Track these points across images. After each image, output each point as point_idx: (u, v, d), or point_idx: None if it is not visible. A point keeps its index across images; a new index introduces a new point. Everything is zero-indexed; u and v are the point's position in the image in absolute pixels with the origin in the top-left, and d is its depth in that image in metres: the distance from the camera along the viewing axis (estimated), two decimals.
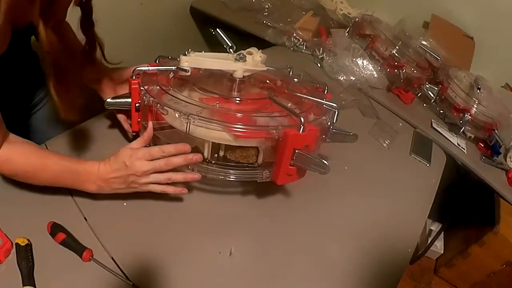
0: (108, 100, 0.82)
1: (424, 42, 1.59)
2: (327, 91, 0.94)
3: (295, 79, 0.99)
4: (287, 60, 1.51)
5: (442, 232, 1.86)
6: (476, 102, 1.41)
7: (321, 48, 1.62)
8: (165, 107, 0.73)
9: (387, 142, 1.24)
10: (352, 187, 1.01)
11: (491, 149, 1.39)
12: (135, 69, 0.79)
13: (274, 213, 0.88)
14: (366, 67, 1.51)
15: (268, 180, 0.77)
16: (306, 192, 0.92)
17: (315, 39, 1.69)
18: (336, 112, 0.81)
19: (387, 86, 1.54)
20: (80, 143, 0.88)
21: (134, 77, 0.78)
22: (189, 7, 1.97)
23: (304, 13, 1.82)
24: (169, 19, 1.92)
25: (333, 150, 0.92)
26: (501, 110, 1.44)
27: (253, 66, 0.83)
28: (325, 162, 0.67)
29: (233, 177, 0.76)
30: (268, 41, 1.66)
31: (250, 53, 0.83)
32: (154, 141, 0.79)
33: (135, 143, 0.75)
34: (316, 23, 1.78)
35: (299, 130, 0.68)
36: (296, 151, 0.69)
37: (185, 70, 0.77)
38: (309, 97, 0.85)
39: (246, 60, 0.81)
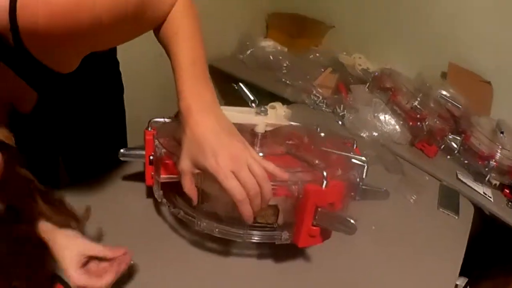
0: (122, 151, 0.80)
1: (444, 92, 1.55)
2: (356, 146, 0.89)
3: (322, 134, 0.95)
4: (307, 118, 1.49)
5: (468, 287, 1.72)
6: (500, 147, 1.37)
7: (342, 105, 1.59)
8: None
9: (413, 198, 1.17)
10: (380, 248, 0.93)
11: None
12: (150, 120, 0.78)
13: (293, 280, 0.79)
14: (388, 121, 1.47)
15: (287, 242, 0.70)
16: (329, 257, 0.84)
17: (335, 96, 1.67)
18: (366, 167, 0.75)
19: (410, 140, 1.49)
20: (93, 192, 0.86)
21: (150, 129, 0.76)
22: (208, 65, 2.00)
23: (323, 70, 1.82)
24: None
25: (359, 209, 0.85)
26: None
27: (275, 120, 0.79)
28: (351, 220, 0.60)
29: (251, 238, 0.70)
30: (288, 99, 1.65)
31: (273, 107, 0.81)
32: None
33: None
34: (335, 79, 1.77)
35: (322, 185, 0.62)
36: (319, 209, 0.63)
37: None
38: (335, 151, 0.80)
39: (267, 114, 0.78)
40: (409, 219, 1.09)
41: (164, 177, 0.74)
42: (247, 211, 0.60)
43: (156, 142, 0.74)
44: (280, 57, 1.89)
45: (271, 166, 0.62)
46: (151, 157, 0.77)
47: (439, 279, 0.89)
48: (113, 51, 0.91)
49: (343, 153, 0.79)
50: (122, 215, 0.82)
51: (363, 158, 0.77)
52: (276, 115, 0.81)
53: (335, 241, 0.73)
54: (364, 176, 0.77)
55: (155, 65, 1.62)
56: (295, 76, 1.78)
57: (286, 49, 2.03)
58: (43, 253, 0.66)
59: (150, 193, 0.90)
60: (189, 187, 0.63)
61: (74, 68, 0.62)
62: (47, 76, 0.58)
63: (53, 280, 0.66)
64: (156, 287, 0.72)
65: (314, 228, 0.65)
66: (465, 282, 1.71)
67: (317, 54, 1.93)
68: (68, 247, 0.64)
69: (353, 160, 0.78)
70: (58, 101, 0.70)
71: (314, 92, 1.66)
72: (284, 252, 0.81)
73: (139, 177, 0.93)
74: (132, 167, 0.98)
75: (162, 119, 0.81)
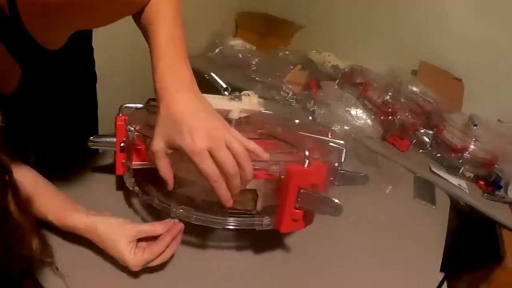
0: (92, 138, 0.76)
1: (414, 88, 1.58)
2: (331, 134, 0.88)
3: (297, 121, 0.93)
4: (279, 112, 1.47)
5: (445, 282, 1.73)
6: (474, 140, 1.41)
7: (312, 101, 1.59)
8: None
9: (389, 188, 1.17)
10: (360, 238, 0.92)
11: (493, 185, 1.37)
12: (121, 106, 0.74)
13: (271, 273, 0.76)
14: (359, 116, 1.48)
15: (269, 228, 0.67)
16: (308, 247, 0.82)
17: (305, 92, 1.67)
18: (344, 150, 0.74)
19: (382, 135, 1.50)
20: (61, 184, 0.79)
21: (121, 114, 0.73)
22: None
23: (292, 67, 1.82)
24: None
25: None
26: (501, 143, 1.42)
27: (250, 106, 0.77)
28: (337, 200, 0.58)
29: (228, 224, 0.66)
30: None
31: (247, 95, 0.79)
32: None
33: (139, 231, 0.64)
34: (304, 76, 1.78)
35: (304, 165, 0.60)
36: (302, 190, 0.60)
37: None
38: (312, 135, 0.78)
39: (241, 100, 0.76)
40: (387, 209, 1.09)
41: (136, 163, 0.70)
42: (224, 193, 0.57)
43: (128, 126, 0.70)
44: (249, 55, 1.87)
45: (252, 145, 0.59)
46: (122, 144, 0.72)
47: (422, 268, 0.88)
48: (89, 36, 0.87)
49: (321, 137, 0.78)
50: (92, 208, 0.76)
51: (341, 142, 0.76)
52: (250, 102, 0.79)
53: (314, 232, 0.71)
54: (342, 160, 0.75)
55: (128, 57, 1.58)
56: (264, 73, 1.77)
57: (254, 48, 2.01)
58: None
59: (120, 185, 0.84)
60: (166, 169, 0.59)
61: (60, 45, 0.61)
62: (34, 52, 0.57)
63: (22, 276, 0.60)
64: (129, 284, 0.66)
65: (297, 211, 0.62)
66: (441, 277, 1.72)
67: (287, 52, 1.92)
68: (117, 240, 0.62)
69: (331, 144, 0.77)
70: (39, 82, 0.67)
71: (284, 88, 1.65)
72: (263, 242, 0.78)
73: (108, 169, 0.88)
74: (101, 158, 0.93)
75: (133, 105, 0.77)
